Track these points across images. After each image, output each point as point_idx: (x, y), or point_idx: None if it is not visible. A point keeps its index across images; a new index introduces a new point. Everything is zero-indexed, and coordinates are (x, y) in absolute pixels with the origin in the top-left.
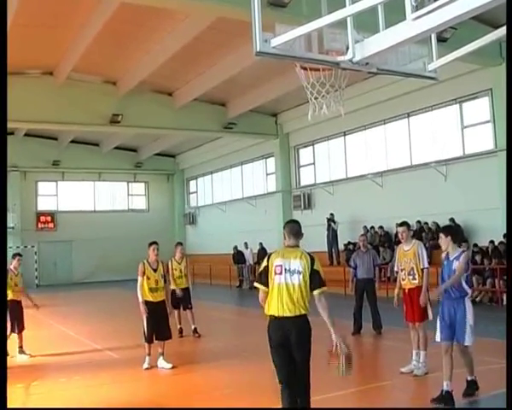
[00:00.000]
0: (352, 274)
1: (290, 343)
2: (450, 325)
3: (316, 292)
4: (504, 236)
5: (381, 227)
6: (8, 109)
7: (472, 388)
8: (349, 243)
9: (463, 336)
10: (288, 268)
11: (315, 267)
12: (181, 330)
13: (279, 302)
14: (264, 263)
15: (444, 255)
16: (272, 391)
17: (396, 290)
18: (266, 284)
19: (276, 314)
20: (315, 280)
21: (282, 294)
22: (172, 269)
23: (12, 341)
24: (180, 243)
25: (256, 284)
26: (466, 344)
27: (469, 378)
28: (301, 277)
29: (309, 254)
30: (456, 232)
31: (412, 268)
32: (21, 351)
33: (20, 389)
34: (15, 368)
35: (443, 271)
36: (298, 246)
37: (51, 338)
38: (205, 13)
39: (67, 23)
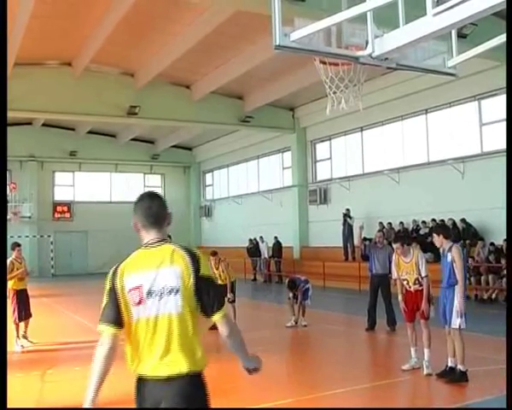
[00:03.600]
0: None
1: None
2: (443, 311)
3: (216, 317)
4: None
5: (399, 223)
6: (26, 99)
7: (448, 374)
8: (365, 238)
9: (450, 319)
10: (152, 289)
11: (202, 272)
12: None
13: (147, 354)
14: (108, 285)
15: (441, 251)
16: (284, 384)
17: (400, 297)
18: (117, 323)
19: (145, 374)
20: (208, 296)
21: (151, 338)
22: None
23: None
24: (215, 253)
25: (100, 327)
26: (453, 327)
27: (450, 364)
28: (180, 298)
29: (187, 249)
30: (446, 230)
31: (417, 278)
32: (25, 337)
33: (36, 376)
34: (30, 356)
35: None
36: (165, 240)
37: (66, 327)
38: (224, 6)
39: (86, 14)
